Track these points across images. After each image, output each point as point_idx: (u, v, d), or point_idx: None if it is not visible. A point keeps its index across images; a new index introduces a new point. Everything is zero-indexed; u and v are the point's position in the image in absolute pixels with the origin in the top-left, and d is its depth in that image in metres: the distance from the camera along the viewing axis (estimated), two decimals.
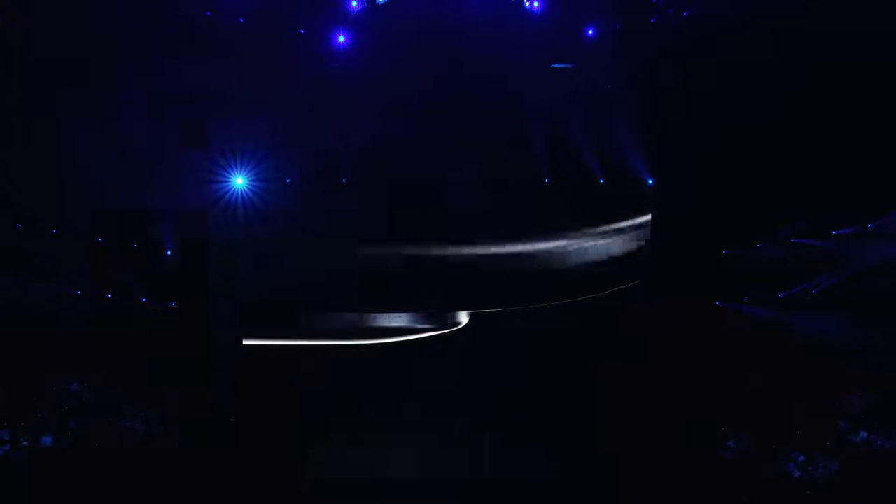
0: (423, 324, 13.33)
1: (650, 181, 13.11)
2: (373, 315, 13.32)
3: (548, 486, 12.20)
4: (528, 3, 12.24)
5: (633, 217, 13.30)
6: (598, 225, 13.37)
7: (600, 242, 13.35)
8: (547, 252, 13.33)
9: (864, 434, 11.63)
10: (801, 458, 11.69)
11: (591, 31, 12.56)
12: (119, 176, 12.58)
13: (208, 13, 12.17)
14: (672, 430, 12.34)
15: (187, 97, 12.42)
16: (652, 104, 12.59)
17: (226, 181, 12.84)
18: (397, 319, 13.35)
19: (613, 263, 13.33)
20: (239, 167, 12.86)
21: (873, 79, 11.68)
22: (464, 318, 13.39)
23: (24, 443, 11.75)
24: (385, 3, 12.20)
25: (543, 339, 13.05)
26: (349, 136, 12.95)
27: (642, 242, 13.25)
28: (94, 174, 12.46)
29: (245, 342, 12.89)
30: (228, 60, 12.25)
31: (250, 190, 12.93)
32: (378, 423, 12.87)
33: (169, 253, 13.11)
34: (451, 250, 13.31)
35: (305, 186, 13.11)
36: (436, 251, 13.32)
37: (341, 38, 12.44)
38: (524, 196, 13.23)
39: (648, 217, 13.20)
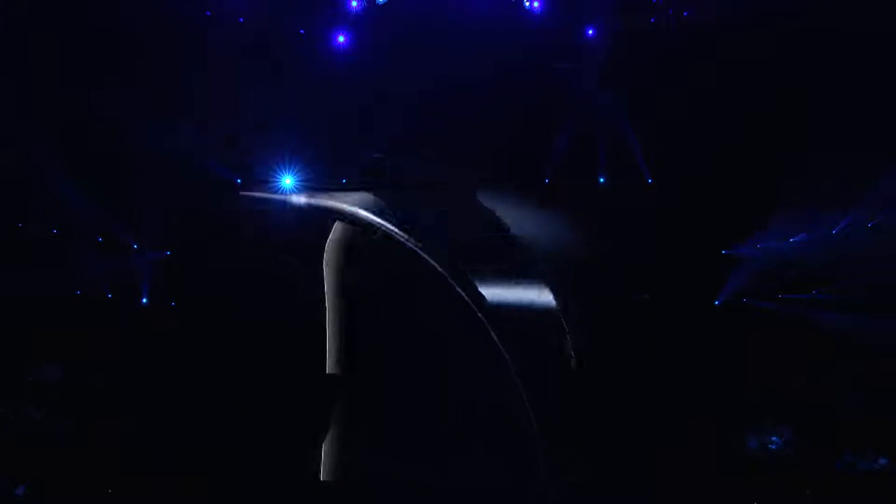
0: None
1: (650, 181, 13.12)
2: None
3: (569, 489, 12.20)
4: (528, 3, 12.22)
5: None
6: None
7: None
8: None
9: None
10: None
11: (591, 31, 12.54)
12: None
13: (208, 13, 12.17)
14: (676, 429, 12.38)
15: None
16: (652, 104, 12.56)
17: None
18: None
19: None
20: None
21: (873, 79, 11.66)
22: None
23: None
24: (385, 3, 12.18)
25: None
26: (349, 136, 12.96)
27: None
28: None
29: None
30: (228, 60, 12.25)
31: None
32: None
33: (168, 253, 13.17)
34: None
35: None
36: None
37: (341, 38, 12.42)
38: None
39: None
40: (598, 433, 12.50)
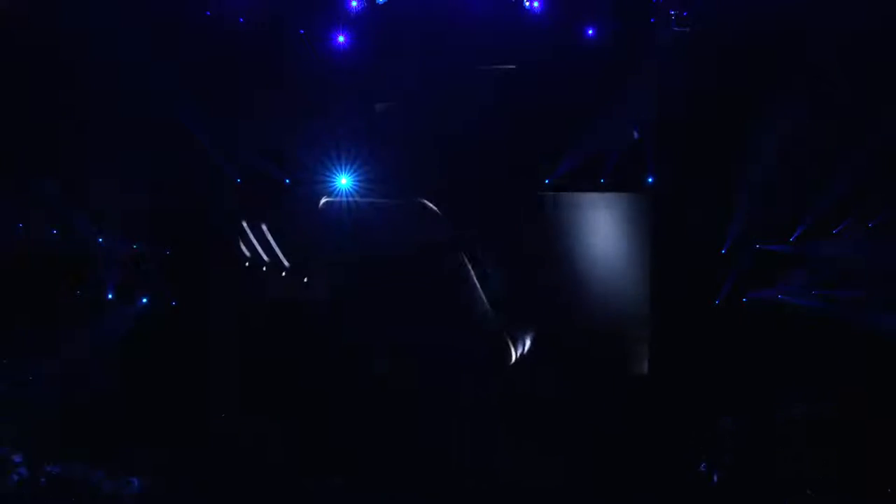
0: None
1: (650, 181, 13.11)
2: None
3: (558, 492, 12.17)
4: (528, 3, 12.22)
5: None
6: None
7: None
8: None
9: None
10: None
11: (591, 31, 12.54)
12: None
13: (208, 13, 12.18)
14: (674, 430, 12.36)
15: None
16: (652, 104, 12.56)
17: None
18: None
19: None
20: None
21: (873, 79, 11.65)
22: None
23: None
24: (385, 3, 12.19)
25: None
26: (349, 136, 12.98)
27: None
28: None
29: None
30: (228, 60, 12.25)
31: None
32: None
33: (168, 252, 13.18)
34: None
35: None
36: None
37: (341, 38, 12.43)
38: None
39: None
40: (599, 432, 12.53)
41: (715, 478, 11.81)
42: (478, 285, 13.26)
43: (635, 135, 12.81)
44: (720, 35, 12.04)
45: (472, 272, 13.28)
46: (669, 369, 12.76)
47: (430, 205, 13.21)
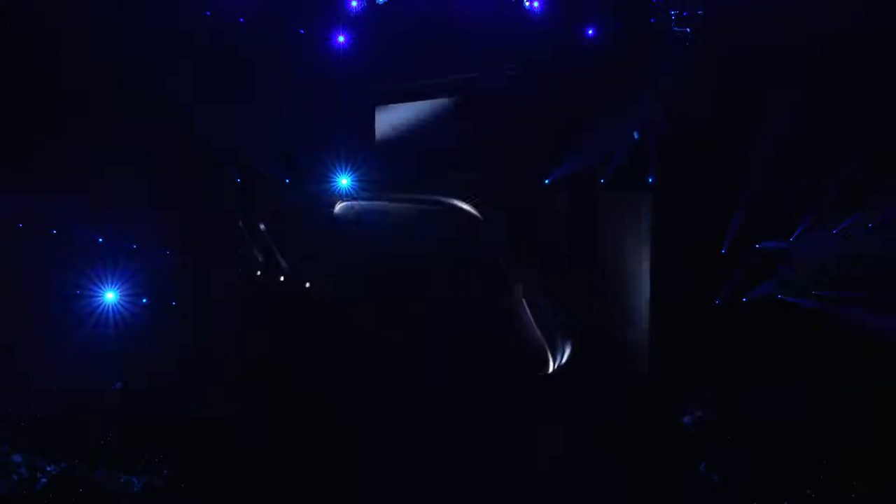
0: None
1: (650, 180, 13.12)
2: None
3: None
4: (528, 3, 12.24)
5: None
6: None
7: None
8: None
9: None
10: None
11: (591, 31, 12.55)
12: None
13: (208, 13, 12.20)
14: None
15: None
16: (652, 104, 12.56)
17: None
18: None
19: None
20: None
21: (873, 78, 11.66)
22: None
23: None
24: (385, 3, 12.21)
25: None
26: (350, 136, 13.00)
27: None
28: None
29: None
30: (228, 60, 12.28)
31: None
32: None
33: (168, 252, 13.18)
34: None
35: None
36: None
37: (341, 38, 12.45)
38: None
39: None
40: (599, 432, 12.53)
41: (715, 478, 11.79)
42: (521, 296, 13.19)
43: (635, 135, 12.78)
44: (720, 35, 12.04)
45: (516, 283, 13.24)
46: (669, 369, 12.76)
47: (465, 205, 13.14)
